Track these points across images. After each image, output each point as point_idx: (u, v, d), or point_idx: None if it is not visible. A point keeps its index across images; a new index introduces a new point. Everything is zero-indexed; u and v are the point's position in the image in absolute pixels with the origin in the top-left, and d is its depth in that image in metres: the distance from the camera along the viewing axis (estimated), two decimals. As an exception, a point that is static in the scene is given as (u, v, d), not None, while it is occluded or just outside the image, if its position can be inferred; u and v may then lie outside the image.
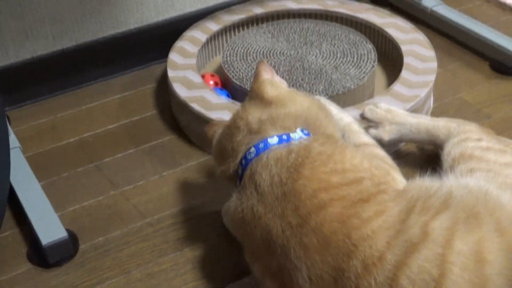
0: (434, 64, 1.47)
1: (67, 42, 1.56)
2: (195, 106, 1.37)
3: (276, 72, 1.38)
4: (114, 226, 1.23)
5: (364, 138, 1.18)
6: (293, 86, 1.41)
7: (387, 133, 1.28)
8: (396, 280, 0.82)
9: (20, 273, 1.16)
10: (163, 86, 1.60)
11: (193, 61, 1.51)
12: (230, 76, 1.46)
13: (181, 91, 1.41)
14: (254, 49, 1.55)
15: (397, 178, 1.04)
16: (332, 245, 0.87)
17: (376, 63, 1.48)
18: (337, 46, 1.54)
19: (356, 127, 1.20)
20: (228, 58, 1.52)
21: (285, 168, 0.93)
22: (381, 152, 1.13)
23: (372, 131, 1.28)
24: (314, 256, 0.87)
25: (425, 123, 1.27)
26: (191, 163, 1.37)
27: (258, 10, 1.68)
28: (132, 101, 1.56)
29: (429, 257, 0.82)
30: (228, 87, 1.49)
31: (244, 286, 1.10)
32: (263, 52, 1.54)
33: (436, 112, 1.47)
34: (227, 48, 1.55)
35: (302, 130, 1.00)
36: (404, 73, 1.44)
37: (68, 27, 1.54)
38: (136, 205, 1.28)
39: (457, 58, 1.66)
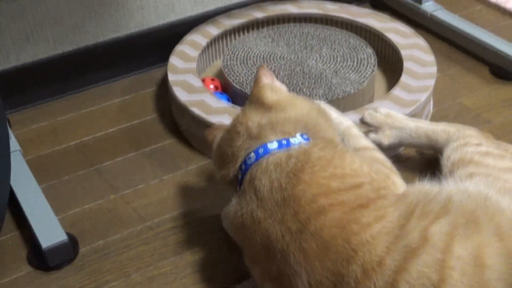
0: (433, 69, 1.47)
1: (67, 45, 1.56)
2: (195, 110, 1.37)
3: (276, 76, 1.39)
4: (114, 230, 1.24)
5: (364, 142, 1.18)
6: (293, 90, 1.41)
7: (386, 138, 1.28)
8: (396, 285, 0.82)
9: (20, 276, 1.16)
10: (164, 90, 1.60)
11: (193, 65, 1.51)
12: (230, 80, 1.47)
13: (181, 95, 1.42)
14: (254, 53, 1.55)
15: (397, 182, 1.04)
16: (331, 250, 0.87)
17: (376, 67, 1.48)
18: (337, 51, 1.54)
19: (356, 131, 1.21)
20: (229, 62, 1.52)
21: (284, 173, 0.94)
22: (381, 156, 1.13)
23: (372, 135, 1.28)
24: (314, 261, 0.88)
25: (425, 128, 1.27)
26: (191, 167, 1.37)
27: (258, 14, 1.68)
28: (133, 105, 1.56)
29: (428, 262, 0.82)
30: (228, 91, 1.49)
31: (244, 290, 1.10)
32: (263, 56, 1.54)
33: (436, 117, 1.47)
34: (228, 52, 1.56)
35: (301, 135, 1.00)
36: (404, 78, 1.44)
37: (69, 30, 1.55)
38: (136, 208, 1.28)
39: (457, 63, 1.66)
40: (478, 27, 1.70)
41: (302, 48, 1.56)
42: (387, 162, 1.11)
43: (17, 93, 1.54)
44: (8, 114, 1.54)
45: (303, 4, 1.72)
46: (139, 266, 1.16)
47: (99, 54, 1.60)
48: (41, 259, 1.16)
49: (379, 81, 1.57)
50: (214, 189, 1.31)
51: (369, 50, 1.53)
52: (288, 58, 1.53)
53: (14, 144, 1.35)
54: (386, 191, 0.95)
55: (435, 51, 1.56)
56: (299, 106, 1.06)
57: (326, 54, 1.53)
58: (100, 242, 1.21)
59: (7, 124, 1.25)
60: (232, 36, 1.68)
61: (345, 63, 1.50)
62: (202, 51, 1.58)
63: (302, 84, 1.44)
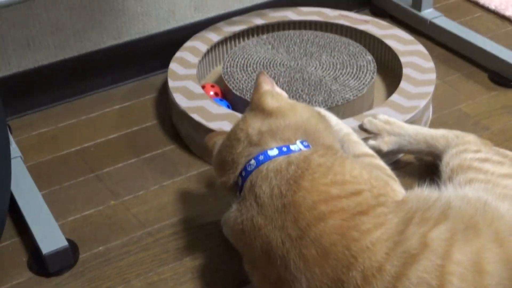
0: (433, 76, 1.48)
1: (68, 52, 1.57)
2: (196, 116, 1.37)
3: (276, 83, 1.39)
4: (114, 236, 1.24)
5: (363, 148, 1.19)
6: (292, 97, 1.42)
7: (386, 144, 1.29)
8: (395, 291, 0.82)
9: (21, 282, 1.16)
10: (164, 96, 1.60)
11: (193, 71, 1.52)
12: (230, 87, 1.47)
13: (181, 101, 1.42)
14: (254, 60, 1.55)
15: (396, 188, 1.04)
16: (331, 257, 0.87)
17: (375, 74, 1.49)
18: (337, 58, 1.55)
19: (355, 138, 1.21)
20: (229, 69, 1.53)
21: (284, 180, 0.94)
22: (380, 163, 1.14)
23: (371, 142, 1.29)
24: (314, 268, 0.88)
25: (424, 134, 1.28)
26: (191, 173, 1.37)
27: (258, 21, 1.69)
28: (133, 111, 1.57)
29: (428, 268, 0.83)
30: (228, 97, 1.50)
31: (244, 296, 1.10)
32: (263, 63, 1.54)
33: (435, 123, 1.47)
34: (228, 59, 1.56)
35: (302, 142, 1.00)
36: (403, 84, 1.45)
37: (70, 37, 1.55)
38: (136, 214, 1.28)
39: (456, 69, 1.67)
40: (477, 34, 1.71)
41: (302, 55, 1.57)
42: (387, 169, 1.11)
43: (18, 99, 1.54)
44: (9, 120, 1.54)
45: (303, 11, 1.72)
46: (139, 272, 1.16)
47: (100, 61, 1.61)
48: (42, 265, 1.16)
49: (379, 87, 1.57)
50: (214, 195, 1.31)
51: (369, 57, 1.54)
52: (288, 64, 1.53)
53: (15, 150, 1.36)
54: (385, 198, 0.95)
55: (435, 58, 1.56)
56: (299, 113, 1.06)
57: (325, 61, 1.54)
58: (100, 248, 1.22)
59: (8, 130, 1.25)
60: (232, 42, 1.68)
61: (344, 70, 1.51)
62: (202, 58, 1.59)
63: (301, 90, 1.44)
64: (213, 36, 1.64)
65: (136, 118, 1.54)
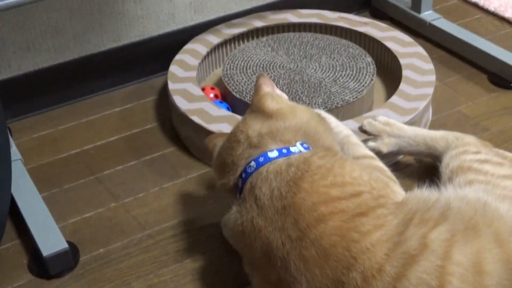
0: (432, 77, 1.48)
1: (68, 55, 1.57)
2: (196, 119, 1.37)
3: (276, 85, 1.39)
4: (114, 238, 1.24)
5: (363, 150, 1.19)
6: (292, 99, 1.42)
7: (385, 146, 1.29)
8: (395, 292, 0.83)
9: (21, 285, 1.16)
10: (164, 98, 1.61)
11: (193, 74, 1.52)
12: (230, 89, 1.47)
13: (181, 103, 1.42)
14: (254, 62, 1.56)
15: (396, 190, 1.04)
16: (331, 258, 0.87)
17: (375, 76, 1.49)
18: (337, 60, 1.55)
19: (355, 140, 1.21)
20: (228, 71, 1.53)
21: (284, 181, 0.94)
22: (380, 165, 1.14)
23: (371, 143, 1.29)
24: (314, 269, 0.88)
25: (423, 136, 1.28)
26: (191, 175, 1.38)
27: (258, 23, 1.69)
28: (133, 114, 1.57)
29: (428, 268, 0.83)
30: (228, 99, 1.50)
31: (244, 298, 1.11)
32: (263, 65, 1.55)
33: (435, 125, 1.48)
34: (227, 61, 1.56)
35: (302, 144, 1.01)
36: (402, 86, 1.45)
37: (70, 40, 1.55)
38: (137, 217, 1.28)
39: (456, 71, 1.67)
40: (477, 36, 1.71)
41: (302, 57, 1.57)
42: (386, 171, 1.12)
43: (18, 102, 1.55)
44: (10, 123, 1.54)
45: (303, 13, 1.73)
46: (140, 274, 1.17)
47: (100, 63, 1.61)
48: (42, 267, 1.17)
49: (378, 89, 1.58)
50: (214, 197, 1.31)
51: (368, 59, 1.54)
52: (288, 67, 1.54)
53: (15, 153, 1.36)
54: (385, 199, 0.95)
55: (434, 60, 1.56)
56: (299, 115, 1.06)
57: (325, 63, 1.54)
58: (101, 250, 1.22)
59: (8, 133, 1.25)
60: (232, 45, 1.68)
61: (344, 72, 1.51)
62: (202, 60, 1.59)
63: (301, 92, 1.45)
64: (213, 38, 1.64)
65: (136, 120, 1.54)
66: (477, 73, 1.65)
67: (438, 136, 1.26)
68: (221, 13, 1.73)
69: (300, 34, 1.66)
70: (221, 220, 1.21)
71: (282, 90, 1.40)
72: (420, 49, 1.58)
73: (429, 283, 0.81)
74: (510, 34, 1.82)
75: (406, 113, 1.37)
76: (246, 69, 1.53)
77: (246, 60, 1.56)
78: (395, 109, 1.38)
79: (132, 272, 1.17)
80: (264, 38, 1.65)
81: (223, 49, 1.67)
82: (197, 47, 1.61)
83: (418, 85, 1.45)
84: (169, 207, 1.30)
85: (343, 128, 1.23)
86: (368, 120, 1.32)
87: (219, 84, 1.58)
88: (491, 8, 1.90)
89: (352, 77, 1.49)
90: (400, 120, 1.34)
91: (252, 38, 1.70)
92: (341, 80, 1.48)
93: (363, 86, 1.46)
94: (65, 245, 1.16)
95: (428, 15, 1.79)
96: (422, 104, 1.39)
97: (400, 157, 1.38)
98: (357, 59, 1.55)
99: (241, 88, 1.47)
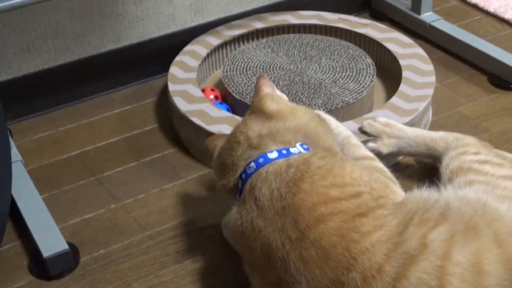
0: (432, 78, 1.48)
1: (68, 56, 1.57)
2: (196, 120, 1.38)
3: (276, 86, 1.39)
4: (114, 239, 1.24)
5: (363, 151, 1.19)
6: (292, 100, 1.42)
7: (385, 146, 1.29)
8: (395, 292, 0.83)
9: (21, 286, 1.16)
10: (164, 100, 1.61)
11: (193, 75, 1.52)
12: (230, 90, 1.47)
13: (181, 105, 1.42)
14: (254, 64, 1.56)
15: (396, 191, 1.04)
16: (331, 258, 0.87)
17: (375, 77, 1.49)
18: (336, 61, 1.55)
19: (355, 141, 1.21)
20: (228, 73, 1.53)
21: (284, 182, 0.94)
22: (380, 165, 1.14)
23: (371, 144, 1.29)
24: (314, 270, 0.88)
25: (423, 136, 1.28)
26: (192, 176, 1.38)
27: (258, 25, 1.69)
28: (133, 115, 1.57)
29: (427, 269, 0.83)
30: (228, 101, 1.50)
31: (244, 298, 1.11)
32: (263, 66, 1.55)
33: (435, 126, 1.48)
34: (227, 63, 1.57)
35: (301, 145, 1.01)
36: (402, 87, 1.45)
37: (70, 41, 1.56)
38: (137, 218, 1.28)
39: (455, 72, 1.67)
40: (477, 37, 1.71)
41: (302, 58, 1.57)
42: (386, 171, 1.12)
43: (18, 103, 1.55)
44: (10, 124, 1.54)
45: (303, 14, 1.73)
46: (140, 275, 1.17)
47: (100, 65, 1.61)
48: (42, 268, 1.17)
49: (378, 90, 1.58)
50: (214, 198, 1.32)
51: (368, 60, 1.54)
52: (288, 68, 1.54)
53: (15, 154, 1.36)
54: (385, 200, 0.95)
55: (434, 61, 1.57)
56: (299, 116, 1.06)
57: (325, 64, 1.54)
58: (101, 251, 1.22)
59: (9, 134, 1.26)
60: (232, 46, 1.69)
61: (344, 73, 1.51)
62: (202, 61, 1.59)
63: (301, 94, 1.45)
64: (213, 40, 1.64)
65: (136, 122, 1.54)
66: (477, 74, 1.65)
67: (438, 137, 1.26)
68: (221, 15, 1.74)
69: (300, 35, 1.66)
70: (221, 221, 1.21)
71: (282, 91, 1.40)
72: (420, 50, 1.58)
73: (429, 283, 0.82)
74: (510, 35, 1.82)
75: (406, 114, 1.37)
76: (246, 71, 1.54)
77: (246, 62, 1.57)
78: (395, 110, 1.38)
79: (133, 273, 1.17)
80: (264, 40, 1.65)
81: (223, 51, 1.68)
82: (197, 48, 1.61)
83: (418, 86, 1.45)
84: (169, 208, 1.30)
85: (343, 129, 1.23)
86: (368, 121, 1.32)
87: (219, 85, 1.58)
88: (491, 9, 1.91)
89: (352, 78, 1.49)
90: (400, 121, 1.34)
91: (252, 40, 1.70)
92: (341, 81, 1.48)
93: (363, 87, 1.46)
94: (65, 246, 1.16)
95: (428, 16, 1.79)
96: (422, 105, 1.39)
97: (400, 158, 1.38)
98: (357, 60, 1.55)
99: (241, 89, 1.47)
